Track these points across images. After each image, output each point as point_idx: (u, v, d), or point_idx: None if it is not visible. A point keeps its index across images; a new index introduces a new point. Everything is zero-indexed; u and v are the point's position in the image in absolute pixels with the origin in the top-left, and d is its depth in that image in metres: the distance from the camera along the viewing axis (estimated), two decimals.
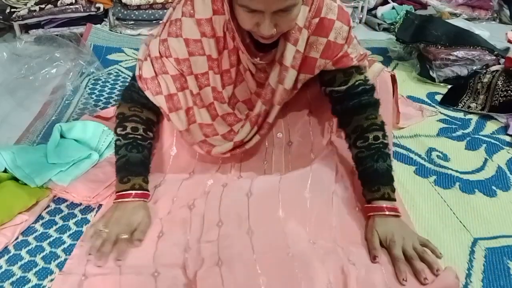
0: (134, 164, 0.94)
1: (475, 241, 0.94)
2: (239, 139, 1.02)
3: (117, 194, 0.92)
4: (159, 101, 0.96)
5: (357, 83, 0.95)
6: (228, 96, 1.04)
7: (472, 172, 1.18)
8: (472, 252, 0.91)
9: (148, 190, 0.95)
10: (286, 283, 0.76)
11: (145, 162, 0.97)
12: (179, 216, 0.94)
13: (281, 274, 0.78)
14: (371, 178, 0.92)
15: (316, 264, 0.79)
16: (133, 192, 0.91)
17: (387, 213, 0.88)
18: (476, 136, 1.35)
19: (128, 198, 0.90)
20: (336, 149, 1.07)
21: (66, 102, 1.46)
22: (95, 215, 0.97)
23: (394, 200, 0.90)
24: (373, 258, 0.84)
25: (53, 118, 1.36)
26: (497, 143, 1.31)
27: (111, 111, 1.28)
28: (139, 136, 0.96)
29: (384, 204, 0.88)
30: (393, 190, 0.91)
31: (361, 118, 0.95)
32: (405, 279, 0.79)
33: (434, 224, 0.98)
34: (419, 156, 1.23)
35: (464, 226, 0.98)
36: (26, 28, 2.08)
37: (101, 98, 1.51)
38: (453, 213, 1.02)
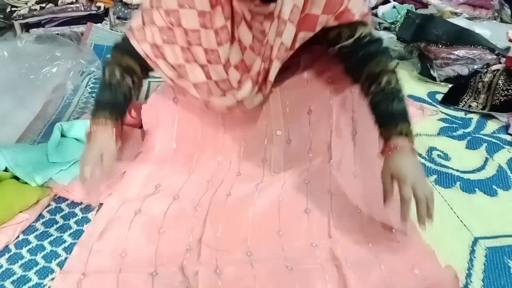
0: (103, 102, 0.98)
1: (475, 240, 0.94)
2: (240, 97, 1.01)
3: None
4: (144, 48, 0.97)
5: (363, 35, 0.95)
6: (225, 56, 0.99)
7: (473, 171, 1.18)
8: (472, 251, 0.91)
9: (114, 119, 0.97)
10: None
11: (116, 100, 0.98)
12: (181, 215, 0.95)
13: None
14: (387, 118, 0.89)
15: (315, 275, 0.80)
16: (99, 120, 0.95)
17: (402, 149, 0.84)
18: (477, 135, 1.35)
19: (94, 129, 0.95)
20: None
21: (67, 101, 1.46)
22: (95, 214, 0.97)
23: (412, 137, 0.86)
24: (384, 200, 0.83)
25: (53, 117, 1.36)
26: (498, 142, 1.31)
27: None
28: (116, 78, 0.99)
29: (400, 140, 0.85)
30: (411, 127, 0.87)
31: (371, 65, 0.93)
32: (406, 220, 0.80)
33: (435, 223, 0.97)
34: (420, 155, 1.23)
35: (464, 225, 0.98)
36: (26, 27, 2.08)
37: None
38: (454, 212, 1.02)
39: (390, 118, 0.88)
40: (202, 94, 1.02)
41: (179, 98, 1.10)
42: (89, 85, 1.59)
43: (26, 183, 0.98)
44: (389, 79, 0.91)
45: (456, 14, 2.54)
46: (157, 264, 0.84)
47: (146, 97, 1.51)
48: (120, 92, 0.99)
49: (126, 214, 0.95)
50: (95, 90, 1.55)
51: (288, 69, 1.15)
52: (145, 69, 1.03)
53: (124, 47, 1.01)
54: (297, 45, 0.98)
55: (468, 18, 2.48)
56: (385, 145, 0.87)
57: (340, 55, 0.99)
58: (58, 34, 1.97)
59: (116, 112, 0.99)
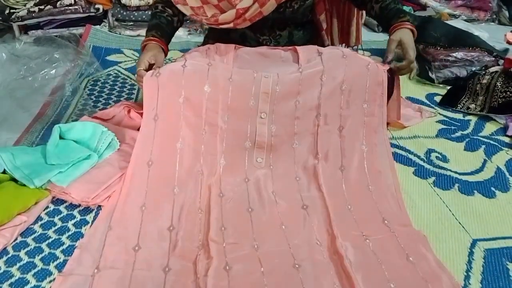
0: (152, 26, 1.22)
1: (474, 242, 0.94)
2: (241, 6, 1.14)
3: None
4: None
5: None
6: None
7: (471, 173, 1.18)
8: (471, 253, 0.91)
9: (159, 39, 1.20)
10: None
11: (160, 24, 1.23)
12: (188, 214, 0.97)
13: (288, 286, 0.81)
14: (396, 12, 1.22)
15: (321, 274, 0.83)
16: (148, 38, 1.19)
17: (409, 27, 1.19)
18: (475, 137, 1.35)
19: (145, 43, 1.19)
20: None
21: (65, 103, 1.46)
22: (94, 216, 0.97)
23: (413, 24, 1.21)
24: (385, 59, 1.20)
25: (52, 118, 1.36)
26: (496, 144, 1.31)
27: (110, 112, 1.28)
28: (158, 10, 1.25)
29: (407, 23, 1.19)
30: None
31: None
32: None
33: (433, 225, 0.98)
34: (418, 157, 1.23)
35: (463, 227, 0.98)
36: (25, 29, 2.08)
37: (100, 99, 1.51)
38: (452, 214, 1.02)
39: (399, 12, 1.22)
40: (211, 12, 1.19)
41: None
42: (87, 87, 1.59)
43: (24, 185, 0.98)
44: None
45: (454, 16, 2.55)
46: (170, 260, 0.85)
47: (136, 98, 1.52)
48: (164, 17, 1.24)
49: (132, 211, 0.96)
50: (94, 92, 1.55)
51: (286, 61, 1.20)
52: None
53: None
54: None
55: (466, 20, 2.49)
56: (396, 25, 1.20)
57: None
58: (56, 36, 1.97)
59: (161, 31, 1.21)
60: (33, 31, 2.07)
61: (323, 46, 1.32)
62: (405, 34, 1.17)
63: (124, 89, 1.59)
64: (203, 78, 1.08)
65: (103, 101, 1.49)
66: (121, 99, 1.51)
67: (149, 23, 1.24)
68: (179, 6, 1.20)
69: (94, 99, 1.51)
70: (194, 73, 1.08)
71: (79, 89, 1.56)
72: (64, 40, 1.84)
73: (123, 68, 1.78)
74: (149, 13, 2.13)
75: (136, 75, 1.13)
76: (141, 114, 1.26)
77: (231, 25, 1.18)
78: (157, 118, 1.07)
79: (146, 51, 1.16)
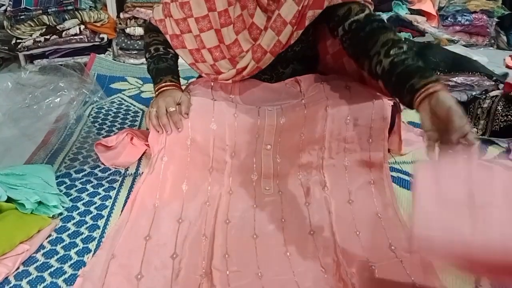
0: (163, 69, 1.15)
1: None
2: (240, 66, 1.12)
3: (155, 92, 1.13)
4: (167, 38, 1.16)
5: (372, 11, 1.04)
6: (230, 39, 1.13)
7: None
8: (477, 280, 0.89)
9: (177, 83, 1.15)
10: None
11: (171, 67, 1.17)
12: (192, 242, 0.96)
13: None
14: (418, 71, 0.86)
15: None
16: (167, 83, 1.12)
17: (444, 91, 0.79)
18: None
19: (164, 88, 1.11)
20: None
21: (70, 130, 1.48)
22: (97, 245, 0.96)
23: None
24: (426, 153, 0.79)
25: (56, 146, 1.37)
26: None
27: (113, 139, 1.29)
28: (161, 53, 1.18)
29: (438, 85, 0.80)
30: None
31: (389, 34, 0.96)
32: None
33: None
34: None
35: None
36: (31, 58, 2.12)
37: (104, 126, 1.52)
38: None
39: (421, 70, 0.86)
40: (212, 73, 1.16)
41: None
42: (91, 114, 1.60)
43: (26, 213, 0.98)
44: (409, 46, 0.94)
45: (453, 41, 2.59)
46: None
47: (140, 125, 1.53)
48: (170, 59, 1.18)
49: (135, 240, 0.95)
50: (98, 120, 1.57)
51: (289, 93, 1.19)
52: None
53: (155, 28, 1.18)
54: (306, 23, 1.05)
55: (465, 45, 2.53)
56: (422, 93, 0.81)
57: (352, 31, 1.02)
58: (61, 65, 2.00)
59: (176, 75, 1.17)
60: (39, 60, 2.11)
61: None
62: (444, 99, 0.77)
63: (128, 116, 1.61)
64: (209, 116, 1.09)
65: (107, 128, 1.51)
66: (125, 126, 1.52)
67: (156, 67, 1.16)
68: (179, 52, 1.17)
69: (98, 126, 1.52)
70: (200, 113, 1.09)
71: (83, 116, 1.58)
72: (69, 69, 1.87)
73: (126, 96, 1.80)
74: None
75: (151, 114, 1.06)
76: (144, 143, 1.28)
77: (229, 81, 1.17)
78: (165, 160, 1.08)
79: (169, 94, 1.09)
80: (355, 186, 1.12)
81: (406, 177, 1.24)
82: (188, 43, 1.15)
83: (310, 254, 0.94)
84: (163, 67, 1.15)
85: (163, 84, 1.12)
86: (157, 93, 1.12)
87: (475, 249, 0.64)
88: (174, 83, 1.13)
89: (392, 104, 1.14)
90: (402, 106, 1.18)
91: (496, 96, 1.56)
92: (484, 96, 1.61)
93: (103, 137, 1.43)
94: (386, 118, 1.11)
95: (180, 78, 1.19)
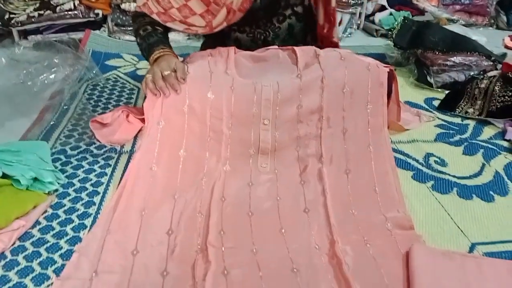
0: (154, 43, 1.17)
1: (472, 246, 0.94)
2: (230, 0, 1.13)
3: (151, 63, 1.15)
4: (155, 17, 1.18)
5: None
6: None
7: (470, 177, 1.18)
8: None
9: (172, 51, 1.17)
10: None
11: (161, 39, 1.19)
12: (188, 219, 0.96)
13: None
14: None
15: (319, 278, 0.83)
16: (160, 51, 1.14)
17: None
18: (474, 142, 1.35)
19: (158, 55, 1.14)
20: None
21: (64, 107, 1.46)
22: (92, 221, 0.96)
23: None
24: None
25: (51, 123, 1.36)
26: (495, 148, 1.32)
27: (108, 116, 1.28)
28: (149, 30, 1.20)
29: None
30: None
31: None
32: None
33: (432, 229, 0.98)
34: (417, 161, 1.23)
35: (461, 231, 0.98)
36: (24, 34, 2.09)
37: (99, 103, 1.51)
38: (451, 218, 1.02)
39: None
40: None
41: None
42: (86, 91, 1.59)
43: (22, 189, 0.98)
44: None
45: (452, 21, 2.57)
46: (168, 264, 0.85)
47: (136, 102, 1.52)
48: (160, 34, 1.20)
49: (131, 215, 0.95)
50: (93, 97, 1.55)
51: (285, 67, 1.18)
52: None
53: (141, 14, 1.21)
54: None
55: (464, 25, 2.51)
56: None
57: None
58: (56, 41, 1.97)
59: (167, 45, 1.19)
60: (33, 36, 2.07)
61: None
62: None
63: (123, 94, 1.59)
64: (206, 85, 1.09)
65: (102, 106, 1.49)
66: (120, 103, 1.51)
67: (148, 43, 1.18)
68: (170, 24, 1.19)
69: (93, 103, 1.51)
70: (197, 80, 1.09)
71: (78, 93, 1.56)
72: (64, 45, 1.84)
73: (122, 73, 1.78)
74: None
75: (147, 79, 1.08)
76: (140, 119, 1.27)
77: (224, 24, 1.17)
78: (161, 125, 1.07)
79: (163, 59, 1.12)
80: (353, 151, 1.12)
81: (402, 157, 1.25)
82: (176, 16, 1.17)
83: (305, 232, 0.95)
84: (153, 41, 1.18)
85: (156, 52, 1.14)
86: (152, 62, 1.15)
87: None
88: (167, 50, 1.15)
89: (388, 71, 1.16)
90: (399, 82, 1.20)
91: (494, 76, 1.56)
92: (481, 77, 1.60)
93: (99, 114, 1.42)
94: (383, 83, 1.14)
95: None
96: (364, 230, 0.95)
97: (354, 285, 0.79)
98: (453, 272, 0.83)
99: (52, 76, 1.63)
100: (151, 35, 1.19)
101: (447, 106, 1.57)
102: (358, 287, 0.80)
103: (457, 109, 1.54)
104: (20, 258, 0.86)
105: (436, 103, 1.61)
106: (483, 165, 1.23)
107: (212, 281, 0.80)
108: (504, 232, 0.98)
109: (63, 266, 0.84)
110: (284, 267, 0.85)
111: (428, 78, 1.71)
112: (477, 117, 1.49)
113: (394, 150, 1.26)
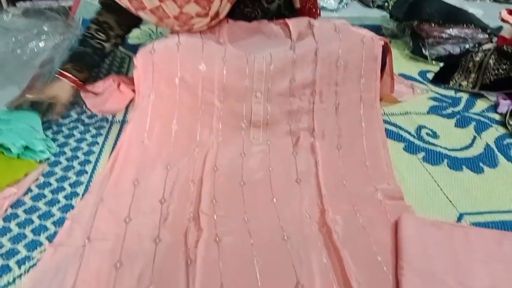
0: (74, 55, 1.21)
1: (460, 216, 0.95)
2: (213, 12, 1.08)
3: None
4: (124, 2, 1.07)
5: None
6: None
7: (461, 149, 1.19)
8: None
9: (75, 76, 1.17)
10: (281, 266, 0.80)
11: (83, 54, 1.18)
12: (180, 188, 0.97)
13: (277, 257, 0.82)
14: None
15: (309, 246, 0.84)
16: (62, 72, 1.17)
17: None
18: (466, 114, 1.35)
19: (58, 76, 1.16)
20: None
21: (55, 76, 1.44)
22: (84, 189, 0.97)
23: None
24: None
25: None
26: (487, 121, 1.32)
27: (100, 85, 1.27)
28: (88, 35, 1.20)
29: None
30: None
31: None
32: None
33: (421, 199, 0.99)
34: (409, 133, 1.24)
35: (450, 201, 0.99)
36: (13, 1, 2.04)
37: None
38: (440, 188, 1.03)
39: None
40: (184, 25, 1.11)
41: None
42: None
43: (13, 157, 0.97)
44: None
45: None
46: (160, 232, 0.86)
47: (127, 71, 1.50)
48: (91, 46, 1.18)
49: (124, 184, 0.96)
50: None
51: (278, 38, 1.17)
52: (126, 24, 1.21)
53: (108, 3, 1.15)
54: None
55: None
56: None
57: None
58: (45, 8, 1.92)
59: (82, 63, 1.18)
60: (21, 2, 2.03)
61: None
62: None
63: (114, 63, 1.57)
64: (198, 56, 1.07)
65: (93, 74, 1.47)
66: (111, 72, 1.49)
67: (74, 51, 1.23)
68: (141, 14, 1.09)
69: None
70: (189, 51, 1.07)
71: None
72: (53, 13, 1.79)
73: None
74: None
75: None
76: (132, 89, 1.25)
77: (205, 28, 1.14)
78: (152, 98, 1.06)
79: (55, 85, 1.16)
80: (345, 127, 1.13)
81: (394, 129, 1.25)
82: (146, 3, 1.05)
83: (296, 201, 0.96)
84: (76, 52, 1.21)
85: (61, 71, 1.18)
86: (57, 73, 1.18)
87: None
88: (68, 77, 1.16)
89: (383, 43, 1.15)
90: (394, 54, 1.19)
91: (489, 49, 1.55)
92: (476, 49, 1.59)
93: (89, 83, 1.40)
94: (377, 57, 1.14)
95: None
96: (355, 201, 0.96)
97: (343, 253, 0.81)
98: (441, 241, 0.84)
99: (42, 44, 1.59)
100: (83, 43, 1.20)
101: (441, 78, 1.57)
102: (347, 255, 0.81)
103: (451, 82, 1.54)
104: (12, 225, 0.87)
105: (430, 75, 1.60)
106: (474, 137, 1.24)
107: (204, 248, 0.81)
108: (492, 203, 1.00)
109: (55, 233, 0.85)
110: (275, 235, 0.86)
111: (423, 51, 1.70)
112: (470, 90, 1.49)
113: (387, 122, 1.26)
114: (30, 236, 0.84)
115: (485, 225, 0.93)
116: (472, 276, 0.77)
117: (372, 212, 0.94)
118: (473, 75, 1.53)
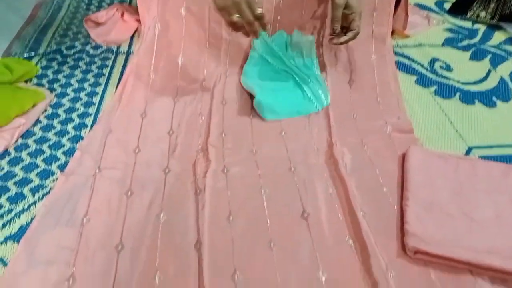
0: None
1: (469, 150, 0.95)
2: None
3: None
4: None
5: None
6: None
7: (474, 83, 1.16)
8: None
9: None
10: (288, 195, 0.81)
11: None
12: (188, 121, 0.97)
13: (283, 187, 0.83)
14: None
15: (315, 176, 0.85)
16: None
17: None
18: (482, 47, 1.30)
19: None
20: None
21: (57, 5, 1.40)
22: (93, 121, 0.97)
23: None
24: (331, 31, 0.96)
25: (44, 21, 1.31)
26: (503, 54, 1.27)
27: (103, 14, 1.23)
28: None
29: None
30: None
31: None
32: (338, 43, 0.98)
33: (431, 133, 0.99)
34: (422, 66, 1.20)
35: (460, 134, 0.99)
36: None
37: (93, 1, 1.44)
38: (450, 122, 1.02)
39: None
40: None
41: None
42: None
43: (20, 88, 0.97)
44: None
45: None
46: (170, 162, 0.87)
47: (130, 0, 1.45)
48: None
49: (132, 116, 0.96)
50: None
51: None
52: None
53: None
54: None
55: None
56: None
57: None
58: None
59: None
60: None
61: None
62: None
63: None
64: None
65: (96, 4, 1.42)
66: (114, 1, 1.44)
67: None
68: None
69: (87, 1, 1.43)
70: None
71: None
72: None
73: None
74: None
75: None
76: (136, 19, 1.21)
77: None
78: (157, 30, 1.02)
79: None
80: (356, 61, 1.10)
81: (407, 61, 1.21)
82: None
83: (305, 134, 0.95)
84: None
85: None
86: None
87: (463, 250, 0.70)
88: None
89: None
90: None
91: None
92: None
93: (93, 12, 1.35)
94: None
95: None
96: (363, 133, 0.96)
97: (349, 184, 0.82)
98: (447, 172, 0.85)
99: None
100: None
101: (458, 9, 1.49)
102: (353, 185, 0.82)
103: (468, 13, 1.47)
104: (24, 154, 0.88)
105: (447, 6, 1.52)
106: (489, 71, 1.20)
107: (213, 178, 0.83)
108: (501, 136, 0.99)
109: (66, 162, 0.86)
110: (282, 166, 0.87)
111: None
112: (489, 21, 1.42)
113: (399, 55, 1.23)
114: (42, 165, 0.86)
115: (494, 158, 0.93)
116: (476, 206, 0.78)
117: (379, 144, 0.94)
118: (492, 5, 1.45)
